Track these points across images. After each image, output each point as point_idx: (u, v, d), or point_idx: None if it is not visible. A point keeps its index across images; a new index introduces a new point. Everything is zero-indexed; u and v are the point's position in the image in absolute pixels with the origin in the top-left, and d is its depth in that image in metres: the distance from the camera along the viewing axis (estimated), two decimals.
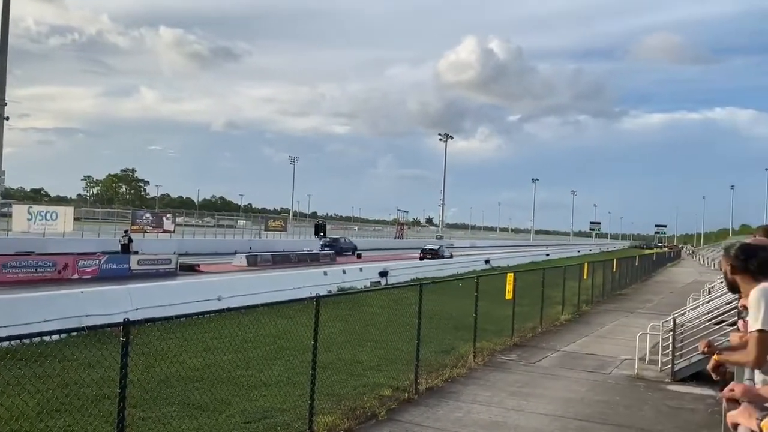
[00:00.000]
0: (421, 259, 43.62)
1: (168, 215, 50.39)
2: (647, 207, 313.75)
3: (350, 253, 50.60)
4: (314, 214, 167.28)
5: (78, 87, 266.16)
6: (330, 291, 20.58)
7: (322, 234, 45.42)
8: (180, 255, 32.17)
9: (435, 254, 47.59)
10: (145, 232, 44.40)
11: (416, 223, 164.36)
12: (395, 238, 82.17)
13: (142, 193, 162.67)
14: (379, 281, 25.95)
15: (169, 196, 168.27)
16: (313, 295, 7.91)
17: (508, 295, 14.74)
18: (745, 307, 3.36)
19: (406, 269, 29.88)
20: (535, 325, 16.58)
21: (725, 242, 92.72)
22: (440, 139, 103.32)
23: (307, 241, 54.54)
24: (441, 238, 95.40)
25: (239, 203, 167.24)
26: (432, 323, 12.54)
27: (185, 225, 58.12)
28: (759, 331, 2.99)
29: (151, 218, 47.63)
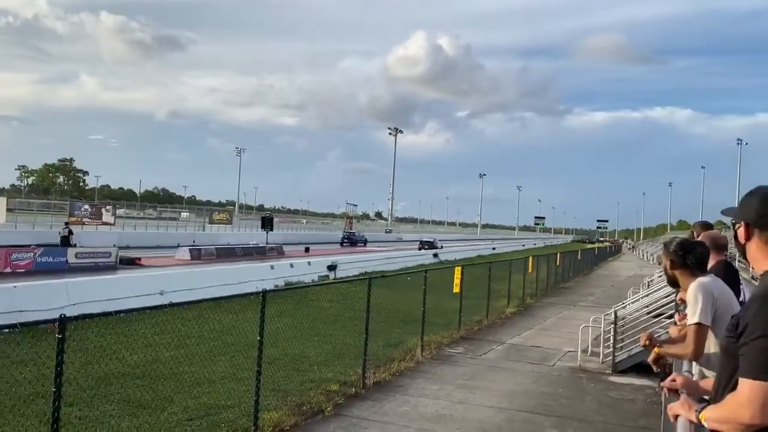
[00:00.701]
0: (420, 249, 54.56)
1: (108, 207, 48.91)
2: (590, 202, 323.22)
3: (362, 244, 65.31)
4: (261, 207, 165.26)
5: (13, 73, 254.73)
6: (277, 285, 20.36)
7: (269, 227, 44.90)
8: (120, 248, 31.28)
9: (431, 245, 59.80)
10: (84, 224, 42.96)
11: (365, 216, 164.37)
12: (344, 232, 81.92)
13: (81, 183, 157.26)
14: (328, 275, 25.85)
15: (109, 187, 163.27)
16: (260, 289, 7.80)
17: (456, 289, 14.92)
18: (683, 301, 3.49)
19: (354, 263, 29.86)
20: (481, 318, 16.84)
21: (664, 237, 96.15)
22: (390, 133, 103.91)
23: (254, 234, 53.87)
24: (390, 231, 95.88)
25: (183, 195, 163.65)
26: (381, 317, 12.57)
27: (126, 217, 56.51)
28: (696, 324, 3.11)
29: (89, 210, 46.12)
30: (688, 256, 3.31)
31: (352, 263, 29.51)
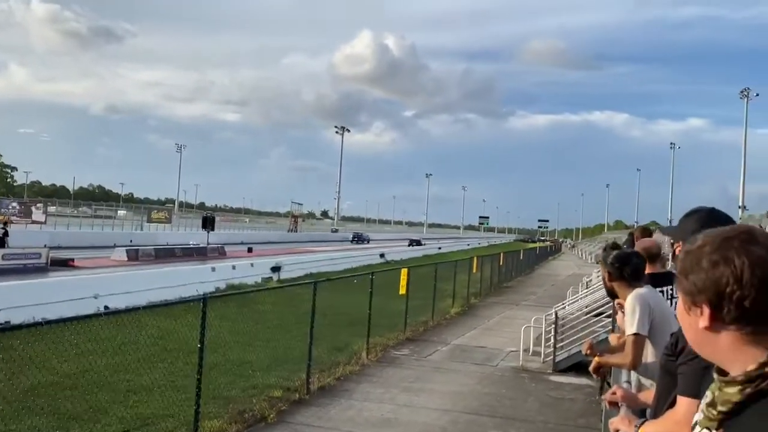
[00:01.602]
0: (410, 245, 66.60)
1: (38, 204, 47.00)
2: (532, 202, 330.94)
3: (367, 242, 75.89)
4: (202, 205, 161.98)
5: None
6: (218, 288, 20.00)
7: (210, 227, 44.02)
8: (52, 248, 30.03)
9: (418, 243, 73.18)
10: (12, 222, 41.09)
11: (311, 215, 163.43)
12: (289, 231, 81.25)
13: (9, 180, 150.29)
14: (271, 277, 25.54)
15: (40, 183, 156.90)
16: (200, 292, 7.61)
17: (402, 290, 14.97)
18: (621, 306, 3.57)
19: (299, 264, 29.60)
20: (427, 319, 16.96)
21: (602, 237, 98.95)
22: (336, 132, 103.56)
23: (194, 234, 52.73)
24: (336, 231, 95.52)
25: (120, 193, 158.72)
26: (326, 320, 12.47)
27: (58, 215, 54.38)
28: (634, 334, 3.19)
29: (18, 208, 44.19)
30: (624, 268, 3.39)
31: (297, 264, 29.23)
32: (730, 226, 1.13)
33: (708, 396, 1.10)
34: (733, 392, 1.05)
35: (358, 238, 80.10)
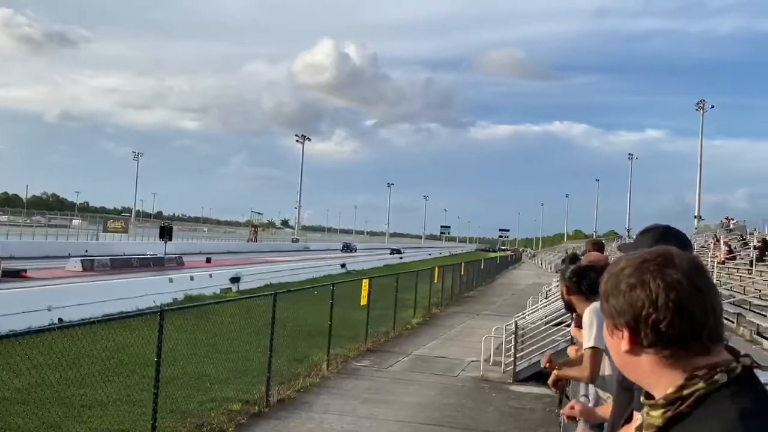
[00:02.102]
0: (391, 253, 75.36)
1: None
2: (493, 212, 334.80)
3: (354, 251, 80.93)
4: (159, 215, 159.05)
5: None
6: (176, 299, 19.67)
7: (168, 237, 43.26)
8: (3, 258, 29.06)
9: (398, 252, 79.34)
10: None
11: (271, 225, 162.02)
12: (249, 241, 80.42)
13: None
14: (231, 287, 25.21)
15: None
16: (157, 304, 7.47)
17: (363, 301, 14.94)
18: (579, 317, 3.64)
19: (259, 274, 29.30)
20: (388, 329, 16.96)
21: (561, 246, 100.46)
22: (297, 140, 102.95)
23: (152, 244, 51.72)
24: (297, 241, 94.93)
25: (75, 201, 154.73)
26: (286, 331, 12.36)
27: (10, 225, 52.77)
28: (592, 348, 3.24)
29: None
30: (581, 282, 3.45)
31: (257, 275, 28.94)
32: (650, 248, 1.13)
33: (639, 419, 1.11)
34: (656, 416, 1.05)
35: (347, 248, 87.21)
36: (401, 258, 41.61)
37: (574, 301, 3.52)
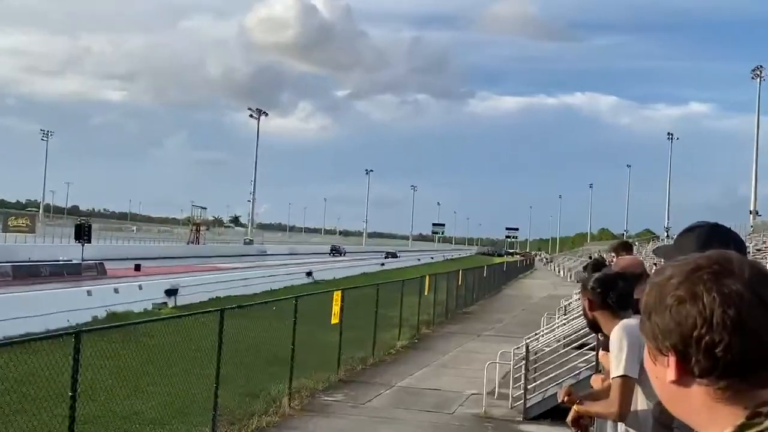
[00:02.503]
0: (386, 257, 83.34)
1: None
2: (498, 206, 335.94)
3: (343, 255, 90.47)
4: (75, 210, 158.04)
5: None
6: (96, 317, 19.53)
7: (86, 238, 42.85)
8: None
9: (394, 255, 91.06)
10: None
11: (218, 223, 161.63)
12: (189, 244, 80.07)
13: None
14: (166, 302, 25.10)
15: None
16: (72, 323, 7.43)
17: (335, 319, 14.95)
18: (606, 336, 3.67)
19: (203, 285, 29.20)
20: (366, 354, 16.99)
21: (584, 249, 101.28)
22: (251, 116, 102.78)
23: (65, 247, 51.28)
24: (251, 242, 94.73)
25: None
26: (236, 357, 12.33)
27: None
28: (621, 377, 3.26)
29: None
30: (609, 294, 3.48)
31: (200, 286, 28.84)
32: (703, 253, 1.10)
33: None
34: None
35: (336, 251, 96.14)
36: (310, 275, 41.25)
37: (600, 318, 3.55)
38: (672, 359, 1.05)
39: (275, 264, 56.07)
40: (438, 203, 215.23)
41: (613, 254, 5.70)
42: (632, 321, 3.38)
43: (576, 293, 23.35)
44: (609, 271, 3.94)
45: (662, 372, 1.07)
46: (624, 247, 5.88)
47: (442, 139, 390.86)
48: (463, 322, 26.98)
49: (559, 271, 79.22)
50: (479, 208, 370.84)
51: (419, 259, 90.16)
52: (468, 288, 33.27)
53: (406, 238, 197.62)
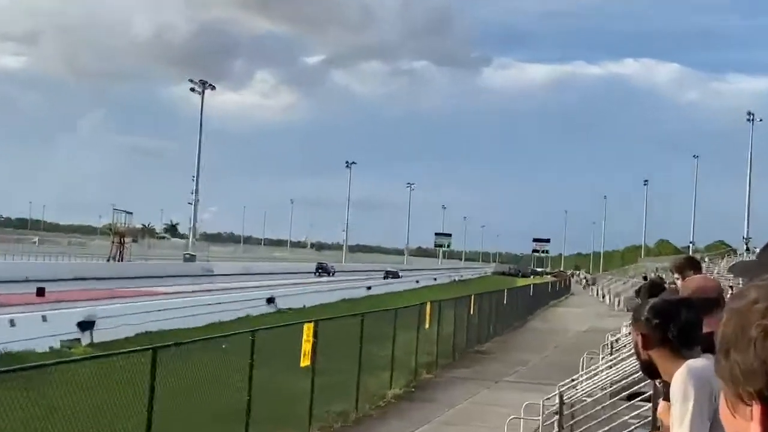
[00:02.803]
0: (386, 277, 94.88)
1: None
2: (521, 211, 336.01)
3: (331, 274, 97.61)
4: None
5: None
6: None
7: None
8: None
9: (395, 275, 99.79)
10: None
11: (149, 232, 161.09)
12: (110, 260, 79.78)
13: None
14: (79, 338, 25.02)
15: None
16: None
17: (305, 360, 14.93)
18: (666, 383, 3.68)
19: (128, 316, 29.07)
20: (347, 407, 16.99)
21: (636, 267, 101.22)
22: (192, 89, 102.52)
23: None
24: (192, 259, 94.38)
25: None
26: (174, 411, 12.30)
27: None
28: None
29: None
30: (668, 326, 3.48)
31: (124, 317, 28.71)
32: None
33: None
34: None
35: (323, 270, 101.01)
36: (271, 301, 41.00)
37: (657, 359, 3.54)
38: (757, 409, 1.05)
39: (226, 287, 55.95)
40: (443, 207, 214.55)
41: (676, 274, 5.72)
42: (701, 362, 3.38)
43: (626, 325, 23.38)
44: (670, 296, 3.95)
45: (744, 426, 1.07)
46: (690, 264, 5.90)
47: (448, 122, 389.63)
48: (475, 363, 26.98)
49: (603, 297, 79.28)
50: (497, 214, 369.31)
51: (418, 281, 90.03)
52: (483, 319, 33.28)
53: (400, 252, 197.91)
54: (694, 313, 3.55)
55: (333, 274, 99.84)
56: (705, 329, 3.74)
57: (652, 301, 3.62)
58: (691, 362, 3.39)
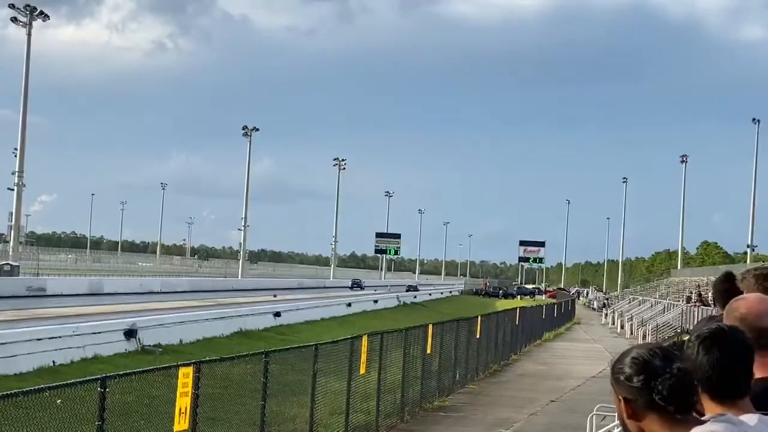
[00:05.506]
0: (352, 287, 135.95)
1: None
2: (503, 201, 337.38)
3: (362, 289, 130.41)
4: None
5: None
6: None
7: None
8: None
9: (415, 289, 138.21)
10: None
11: None
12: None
13: None
14: None
15: None
16: None
17: (180, 425, 14.89)
18: None
19: None
20: None
21: (667, 283, 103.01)
22: (13, 19, 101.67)
23: None
24: (12, 270, 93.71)
25: None
26: None
27: None
28: None
29: None
30: (654, 385, 3.42)
31: None
32: None
33: None
34: None
35: (357, 286, 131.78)
36: (131, 335, 40.62)
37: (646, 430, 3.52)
38: None
39: (64, 314, 55.68)
40: (387, 193, 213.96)
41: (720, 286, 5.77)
42: (718, 427, 3.38)
43: None
44: (707, 325, 3.94)
45: None
46: (728, 281, 5.93)
47: (394, 69, 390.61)
48: (434, 426, 27.11)
49: (621, 325, 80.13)
50: (468, 206, 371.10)
51: (350, 304, 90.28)
52: (446, 359, 33.51)
53: (325, 262, 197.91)
54: (689, 361, 3.50)
55: (364, 289, 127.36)
56: (760, 371, 3.77)
57: (635, 350, 3.52)
58: (699, 428, 3.38)
